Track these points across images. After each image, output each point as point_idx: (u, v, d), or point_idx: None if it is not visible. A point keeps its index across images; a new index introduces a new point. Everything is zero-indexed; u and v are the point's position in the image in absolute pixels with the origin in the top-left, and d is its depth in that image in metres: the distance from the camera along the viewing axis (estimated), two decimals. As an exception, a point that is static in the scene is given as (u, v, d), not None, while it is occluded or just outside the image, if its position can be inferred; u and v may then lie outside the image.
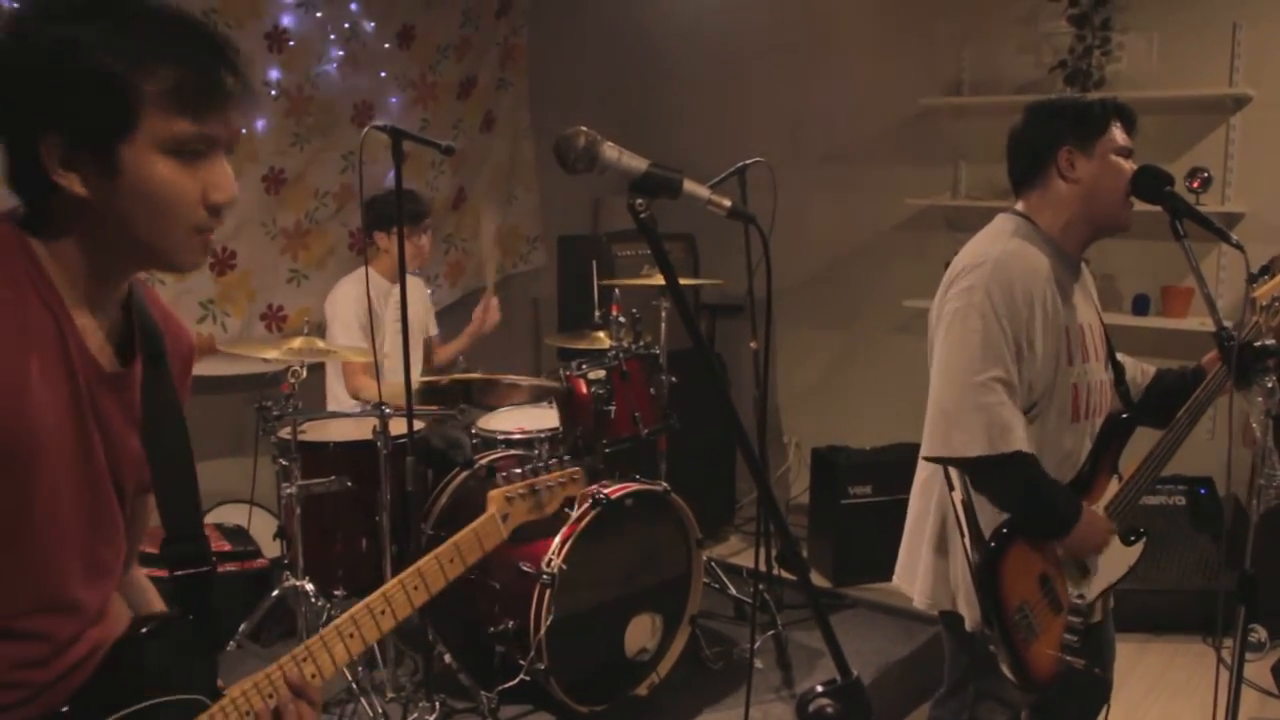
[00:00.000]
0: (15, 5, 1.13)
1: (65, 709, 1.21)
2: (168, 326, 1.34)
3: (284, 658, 1.36)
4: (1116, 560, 2.36)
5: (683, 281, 1.33)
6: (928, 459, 2.24)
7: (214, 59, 1.14)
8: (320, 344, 3.43)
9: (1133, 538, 2.37)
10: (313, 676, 1.37)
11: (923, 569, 2.39)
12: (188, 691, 1.28)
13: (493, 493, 1.71)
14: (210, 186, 1.16)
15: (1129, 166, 2.28)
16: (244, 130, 4.17)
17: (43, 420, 1.14)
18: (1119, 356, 2.49)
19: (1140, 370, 2.54)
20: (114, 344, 1.24)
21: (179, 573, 1.31)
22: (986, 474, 2.18)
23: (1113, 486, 2.32)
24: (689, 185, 1.29)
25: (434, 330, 4.39)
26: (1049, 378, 2.23)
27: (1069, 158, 2.26)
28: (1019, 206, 2.37)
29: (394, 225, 3.72)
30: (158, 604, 1.45)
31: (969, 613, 2.29)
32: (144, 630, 1.28)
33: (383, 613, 1.47)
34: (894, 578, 2.51)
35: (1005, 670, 2.17)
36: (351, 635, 1.43)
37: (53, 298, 1.16)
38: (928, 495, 2.40)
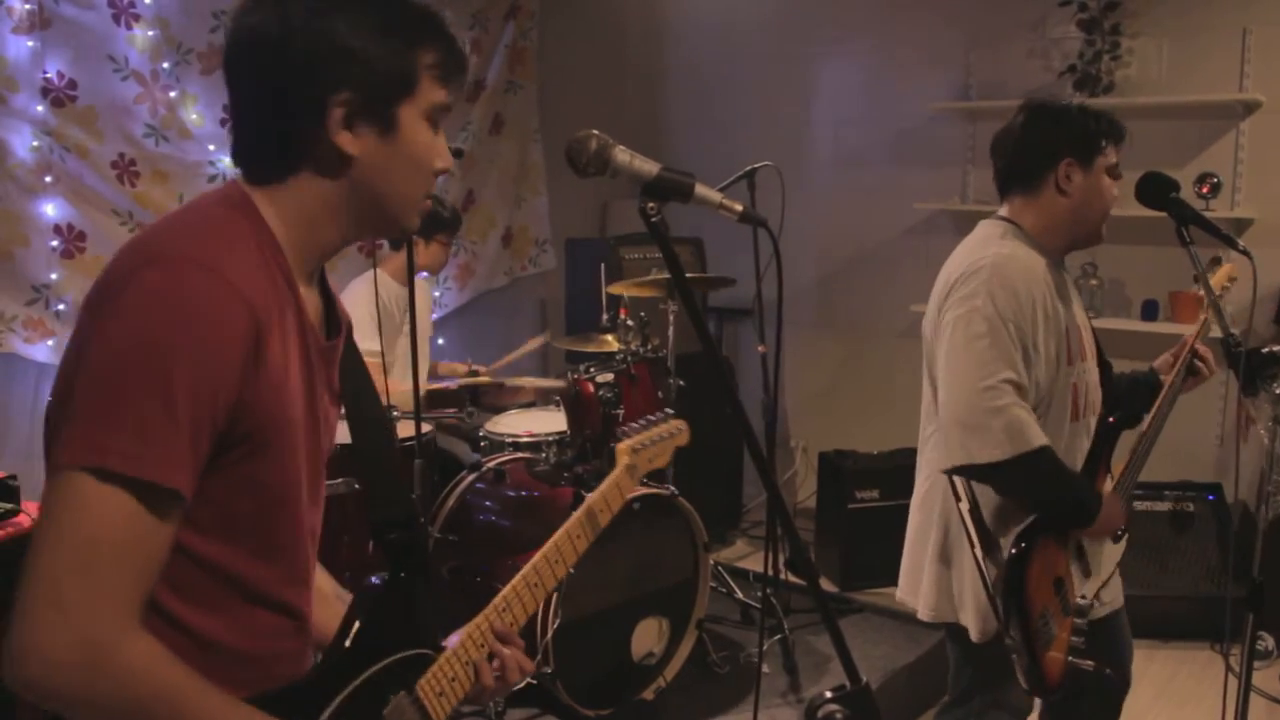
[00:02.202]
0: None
1: (311, 675, 1.30)
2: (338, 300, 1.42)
3: (487, 609, 1.46)
4: (1111, 557, 2.38)
5: (690, 276, 1.34)
6: (949, 471, 2.21)
7: (454, 37, 1.27)
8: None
9: (1118, 534, 2.38)
10: (511, 624, 1.48)
11: (926, 582, 2.37)
12: (416, 647, 1.36)
13: (620, 445, 1.78)
14: (438, 154, 1.27)
15: (1115, 189, 2.31)
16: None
17: (295, 400, 1.20)
18: None
19: None
20: (322, 316, 1.31)
21: (389, 536, 1.38)
22: (1012, 477, 2.15)
23: (1108, 485, 2.34)
24: (700, 189, 1.30)
25: (431, 332, 4.42)
26: (1050, 376, 2.23)
27: (1068, 170, 2.26)
28: (1003, 211, 2.36)
29: (436, 232, 4.02)
30: (324, 579, 1.50)
31: (975, 625, 2.28)
32: (371, 593, 1.35)
33: (556, 561, 1.57)
34: (898, 591, 2.50)
35: (1021, 678, 2.16)
36: (536, 585, 1.53)
37: (286, 269, 1.21)
38: (929, 508, 2.39)
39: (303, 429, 1.22)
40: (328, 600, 1.42)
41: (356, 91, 1.19)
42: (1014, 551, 2.14)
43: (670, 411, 1.91)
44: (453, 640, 1.41)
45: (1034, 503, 2.20)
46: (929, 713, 3.63)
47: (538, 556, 1.54)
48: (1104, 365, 2.46)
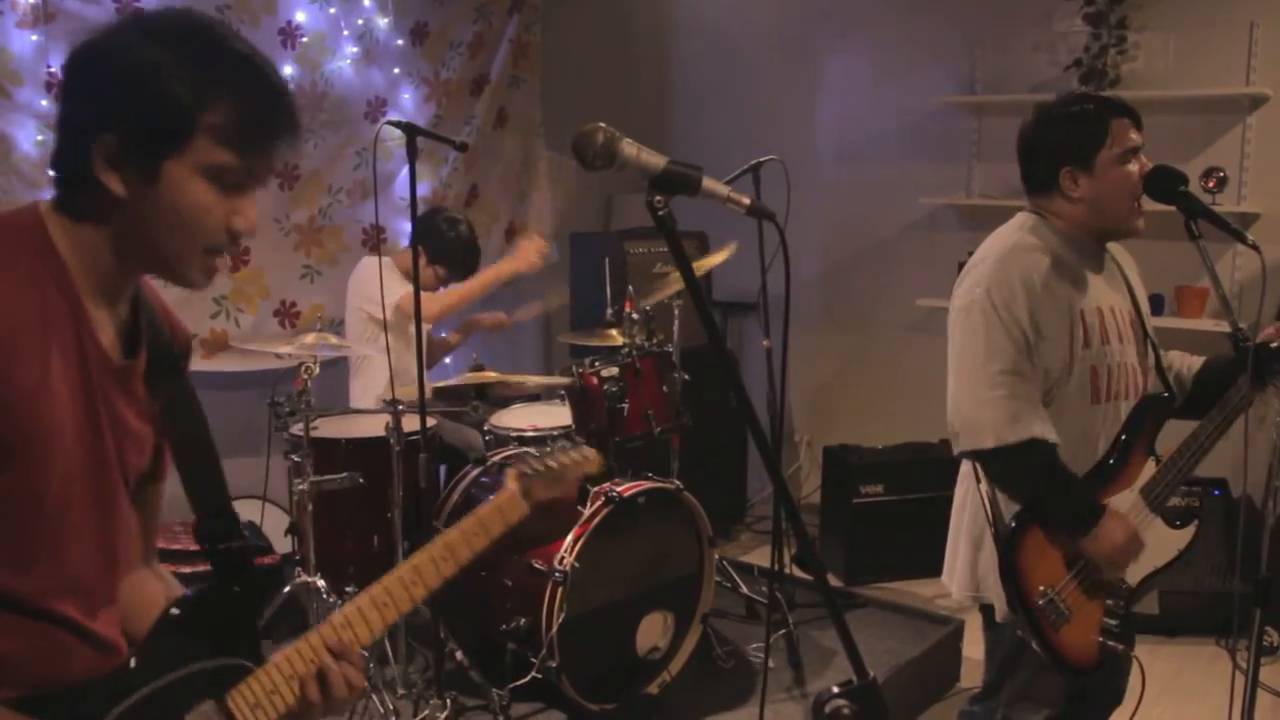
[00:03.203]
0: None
1: (109, 676, 1.28)
2: (169, 321, 1.41)
3: (322, 624, 1.40)
4: (1163, 543, 2.34)
5: (697, 265, 1.34)
6: (959, 455, 2.29)
7: (270, 103, 1.24)
8: (333, 339, 3.43)
9: (1179, 522, 2.35)
10: (352, 641, 1.41)
11: (960, 561, 2.42)
12: (231, 657, 1.34)
13: (510, 470, 1.73)
14: (236, 214, 1.25)
15: (1136, 169, 2.27)
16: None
17: (58, 413, 1.20)
18: (1171, 354, 2.49)
19: (1187, 364, 2.51)
20: (122, 337, 1.30)
21: (216, 548, 1.38)
22: (1001, 465, 2.22)
23: (1149, 468, 2.32)
24: (708, 182, 1.29)
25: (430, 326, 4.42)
26: (1063, 360, 2.25)
27: (1071, 177, 2.28)
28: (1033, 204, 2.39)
29: (441, 260, 3.99)
30: (156, 584, 1.49)
31: (997, 603, 2.31)
32: (183, 602, 1.34)
33: (413, 583, 1.48)
34: (942, 574, 2.53)
35: (1040, 654, 2.20)
36: (385, 604, 1.45)
37: (70, 290, 1.22)
38: (964, 490, 2.45)
39: (74, 441, 1.21)
40: (151, 607, 1.38)
41: (119, 133, 1.18)
42: (1012, 525, 2.20)
43: (579, 440, 1.83)
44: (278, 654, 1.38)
45: (1022, 493, 2.24)
46: (935, 706, 3.64)
47: (390, 577, 1.47)
48: (1155, 351, 2.44)
